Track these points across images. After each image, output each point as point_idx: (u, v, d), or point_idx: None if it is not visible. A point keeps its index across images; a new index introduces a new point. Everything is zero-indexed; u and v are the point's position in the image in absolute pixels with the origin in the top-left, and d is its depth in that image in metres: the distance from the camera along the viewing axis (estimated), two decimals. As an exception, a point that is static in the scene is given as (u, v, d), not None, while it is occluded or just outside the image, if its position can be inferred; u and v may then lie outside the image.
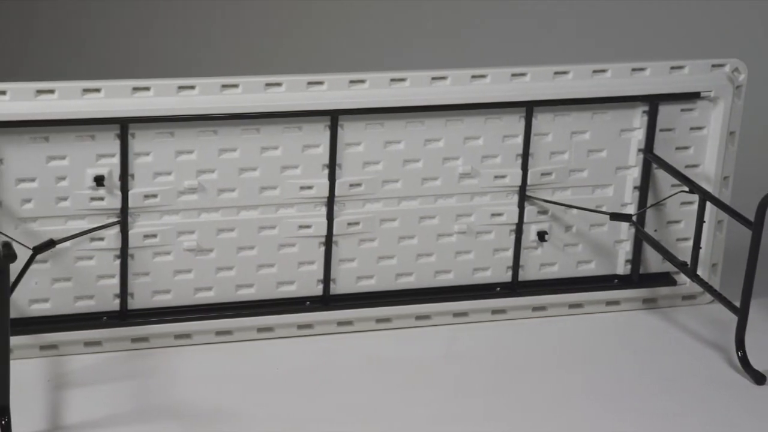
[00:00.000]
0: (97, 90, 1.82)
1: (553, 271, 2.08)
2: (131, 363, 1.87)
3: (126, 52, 2.93)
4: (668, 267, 2.11)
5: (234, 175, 1.90)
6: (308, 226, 1.95)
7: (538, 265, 2.07)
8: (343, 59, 2.86)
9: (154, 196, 1.88)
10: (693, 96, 2.04)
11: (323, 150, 1.93)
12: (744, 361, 1.92)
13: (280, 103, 1.88)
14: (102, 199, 1.86)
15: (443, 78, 1.95)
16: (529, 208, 2.03)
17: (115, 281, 1.90)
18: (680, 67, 2.04)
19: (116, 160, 1.85)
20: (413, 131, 1.96)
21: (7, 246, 1.59)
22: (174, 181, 1.88)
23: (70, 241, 1.83)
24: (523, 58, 2.74)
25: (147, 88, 1.84)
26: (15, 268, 1.63)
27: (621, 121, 2.04)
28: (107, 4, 2.95)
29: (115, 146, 1.85)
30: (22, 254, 1.67)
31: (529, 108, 1.99)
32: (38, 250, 1.76)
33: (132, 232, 1.88)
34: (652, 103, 2.03)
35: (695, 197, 2.00)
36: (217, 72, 1.91)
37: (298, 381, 1.85)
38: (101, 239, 1.87)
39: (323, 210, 1.95)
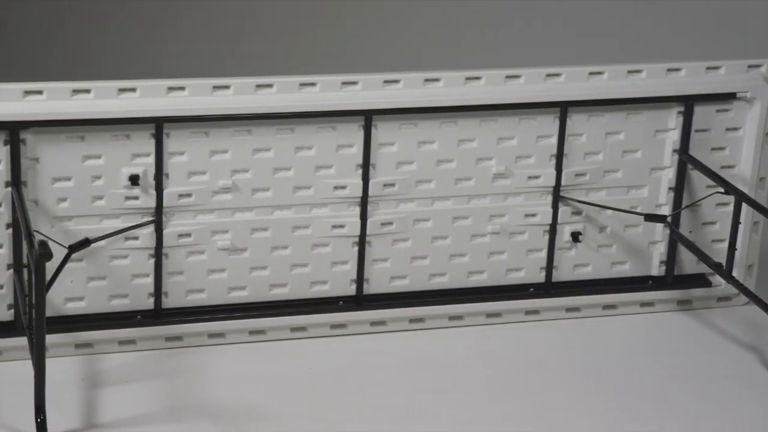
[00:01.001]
0: (133, 90, 1.83)
1: (587, 272, 2.07)
2: (165, 362, 1.88)
3: (153, 52, 2.94)
4: (703, 268, 2.10)
5: (268, 175, 1.91)
6: (342, 226, 1.95)
7: (571, 265, 2.06)
8: (374, 59, 2.86)
9: (189, 195, 1.89)
10: (729, 97, 2.03)
11: (357, 150, 1.93)
12: (779, 363, 1.92)
13: (315, 103, 1.89)
14: (137, 198, 1.87)
15: (477, 78, 1.95)
16: (563, 209, 2.03)
17: (150, 280, 1.90)
18: (716, 68, 2.03)
19: (151, 160, 1.86)
20: (447, 131, 1.96)
21: (43, 245, 1.60)
22: (208, 181, 1.89)
23: (105, 240, 1.84)
24: (555, 58, 2.73)
25: (182, 88, 1.84)
26: (51, 267, 1.64)
27: (656, 122, 2.03)
28: (136, 3, 2.97)
29: (150, 145, 1.85)
30: (58, 253, 1.68)
31: (563, 108, 1.98)
32: (74, 248, 1.77)
33: (166, 232, 1.89)
34: (688, 103, 2.02)
35: (731, 198, 1.99)
36: (244, 72, 1.91)
37: (330, 381, 1.86)
38: (136, 238, 1.88)
39: (357, 210, 1.95)
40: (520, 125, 1.98)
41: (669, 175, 2.06)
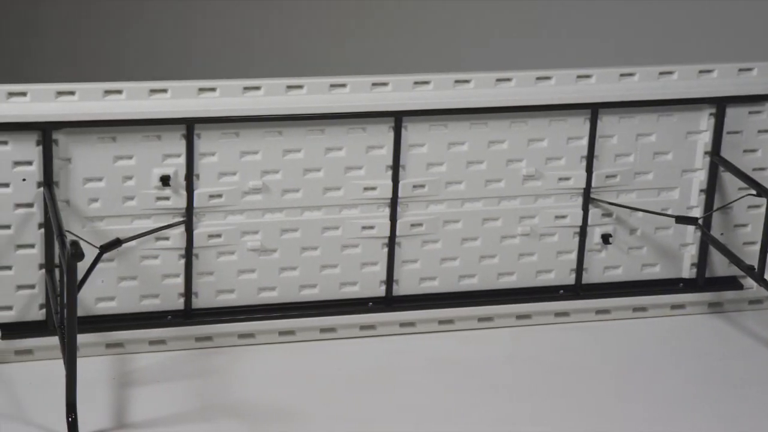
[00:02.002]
0: (164, 90, 1.84)
1: (617, 274, 2.06)
2: (195, 362, 1.89)
3: (183, 54, 2.95)
4: (734, 271, 2.09)
5: (298, 176, 1.91)
6: (371, 227, 1.95)
7: (602, 267, 2.06)
8: (405, 61, 2.86)
9: (219, 196, 1.89)
10: (761, 98, 2.02)
11: (387, 151, 1.93)
12: (811, 367, 1.90)
13: (345, 104, 1.89)
14: (168, 198, 1.87)
15: (508, 80, 1.94)
16: (593, 211, 2.02)
17: (180, 280, 1.91)
18: (748, 69, 2.02)
19: (182, 160, 1.86)
20: (477, 133, 1.96)
21: (75, 245, 1.61)
22: (239, 182, 1.89)
23: (136, 240, 1.85)
24: (586, 59, 2.72)
25: (213, 89, 1.85)
26: (82, 267, 1.65)
27: (687, 124, 2.02)
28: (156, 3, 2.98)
29: (181, 146, 1.86)
30: (89, 253, 1.68)
31: (594, 110, 1.98)
32: (105, 248, 1.78)
33: (197, 232, 1.90)
34: (720, 105, 2.01)
35: (763, 200, 1.98)
36: (274, 74, 1.92)
37: (360, 381, 1.86)
38: (166, 239, 1.89)
39: (386, 211, 1.95)
40: (551, 127, 1.98)
41: (700, 177, 2.05)
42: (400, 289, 1.99)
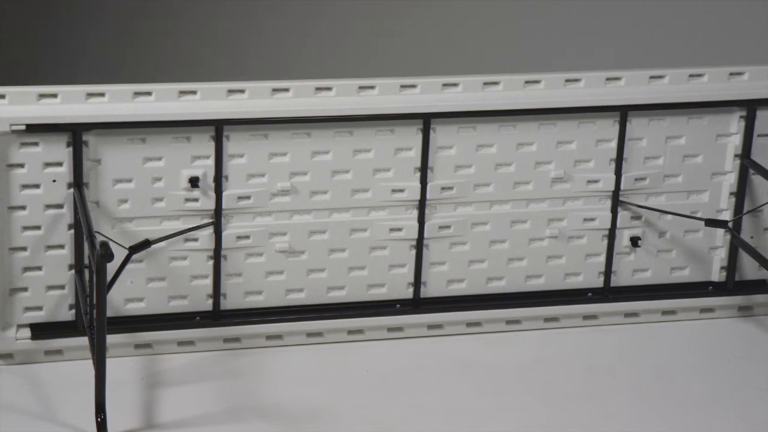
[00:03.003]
0: (193, 92, 1.84)
1: (646, 277, 2.06)
2: (223, 363, 1.89)
3: (210, 56, 2.96)
4: (764, 274, 2.08)
5: (326, 178, 1.91)
6: (399, 229, 1.95)
7: (630, 270, 2.05)
8: (433, 63, 2.86)
9: (248, 197, 1.90)
10: (792, 101, 2.01)
11: (415, 153, 1.93)
12: (842, 371, 1.89)
13: (373, 106, 1.89)
14: (196, 200, 1.88)
15: (536, 82, 1.94)
16: (622, 213, 2.02)
17: (209, 282, 1.92)
18: (779, 72, 2.01)
19: (211, 162, 1.87)
20: (506, 135, 1.95)
21: (105, 246, 1.62)
22: (267, 183, 1.90)
23: (165, 241, 1.86)
24: (616, 61, 2.71)
25: (242, 91, 1.86)
26: (111, 268, 1.66)
27: (717, 126, 2.01)
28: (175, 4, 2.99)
29: (210, 148, 1.87)
30: (119, 254, 1.69)
31: (623, 112, 1.97)
32: (134, 249, 1.79)
33: (225, 233, 1.90)
34: (750, 107, 2.00)
35: (793, 204, 1.97)
36: (302, 76, 1.92)
37: (387, 383, 1.86)
38: (195, 240, 1.90)
39: (414, 213, 1.95)
40: (580, 129, 1.97)
41: (730, 180, 2.04)
42: (428, 291, 1.99)
